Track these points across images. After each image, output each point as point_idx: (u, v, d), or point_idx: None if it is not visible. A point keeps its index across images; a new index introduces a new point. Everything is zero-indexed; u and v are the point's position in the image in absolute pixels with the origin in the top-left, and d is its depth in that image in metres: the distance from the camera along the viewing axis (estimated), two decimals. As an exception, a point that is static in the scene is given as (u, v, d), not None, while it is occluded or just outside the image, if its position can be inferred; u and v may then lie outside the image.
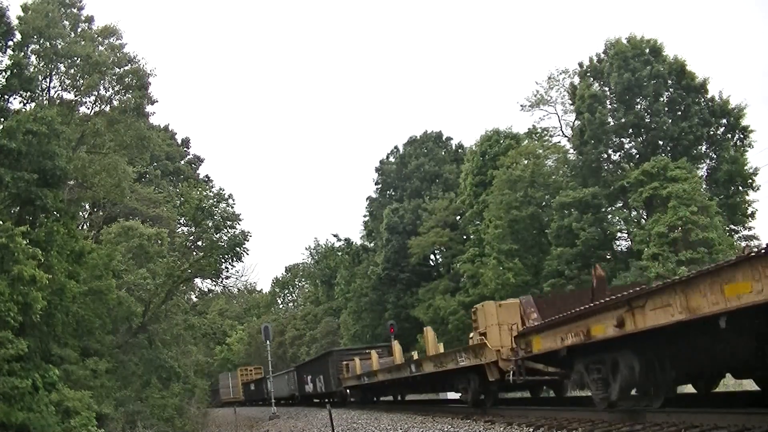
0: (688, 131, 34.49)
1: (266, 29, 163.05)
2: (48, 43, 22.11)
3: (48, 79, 22.93)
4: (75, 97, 24.09)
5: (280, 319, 76.81)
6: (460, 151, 55.79)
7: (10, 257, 14.56)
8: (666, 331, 6.90)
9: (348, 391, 29.15)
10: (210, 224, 28.75)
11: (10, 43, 19.53)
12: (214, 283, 37.33)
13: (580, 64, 38.88)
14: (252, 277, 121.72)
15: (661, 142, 35.53)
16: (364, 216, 61.83)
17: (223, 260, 28.73)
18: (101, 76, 23.02)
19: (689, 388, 10.35)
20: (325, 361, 31.67)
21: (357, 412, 22.97)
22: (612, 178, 35.95)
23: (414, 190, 54.40)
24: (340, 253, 68.32)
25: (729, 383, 14.72)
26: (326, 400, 32.09)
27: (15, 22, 20.22)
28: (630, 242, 35.22)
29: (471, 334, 15.09)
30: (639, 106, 35.63)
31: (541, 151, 39.63)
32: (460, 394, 16.68)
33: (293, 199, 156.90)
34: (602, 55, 37.77)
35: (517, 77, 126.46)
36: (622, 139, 36.77)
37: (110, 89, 24.06)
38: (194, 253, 29.49)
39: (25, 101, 19.68)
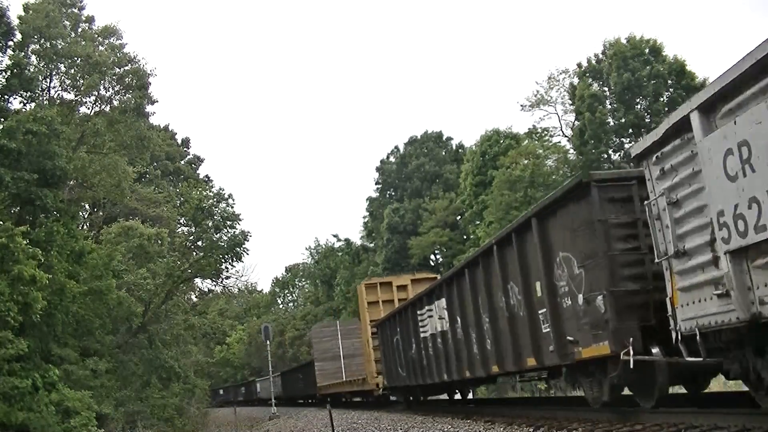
0: (688, 131, 34.49)
1: (266, 29, 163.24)
2: (48, 43, 22.17)
3: (48, 79, 23.00)
4: (75, 97, 24.20)
5: (280, 319, 76.69)
6: (460, 151, 55.74)
7: (10, 257, 14.57)
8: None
9: None
10: (210, 224, 28.77)
11: (11, 43, 19.57)
12: (214, 283, 37.27)
13: (579, 65, 38.90)
14: (252, 277, 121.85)
15: (661, 142, 35.52)
16: (364, 216, 61.91)
17: (223, 260, 28.74)
18: (101, 76, 23.08)
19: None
20: None
21: (357, 412, 22.97)
22: (612, 178, 35.93)
23: (414, 190, 54.39)
24: (340, 254, 68.29)
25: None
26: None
27: (15, 22, 20.29)
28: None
29: None
30: (639, 106, 35.65)
31: (541, 151, 39.60)
32: None
33: (293, 199, 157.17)
34: (601, 56, 37.82)
35: (517, 77, 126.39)
36: (622, 139, 36.76)
37: (110, 89, 24.16)
38: (194, 253, 29.49)
39: (25, 101, 19.76)
